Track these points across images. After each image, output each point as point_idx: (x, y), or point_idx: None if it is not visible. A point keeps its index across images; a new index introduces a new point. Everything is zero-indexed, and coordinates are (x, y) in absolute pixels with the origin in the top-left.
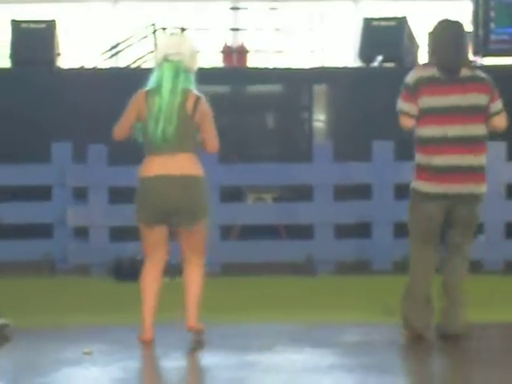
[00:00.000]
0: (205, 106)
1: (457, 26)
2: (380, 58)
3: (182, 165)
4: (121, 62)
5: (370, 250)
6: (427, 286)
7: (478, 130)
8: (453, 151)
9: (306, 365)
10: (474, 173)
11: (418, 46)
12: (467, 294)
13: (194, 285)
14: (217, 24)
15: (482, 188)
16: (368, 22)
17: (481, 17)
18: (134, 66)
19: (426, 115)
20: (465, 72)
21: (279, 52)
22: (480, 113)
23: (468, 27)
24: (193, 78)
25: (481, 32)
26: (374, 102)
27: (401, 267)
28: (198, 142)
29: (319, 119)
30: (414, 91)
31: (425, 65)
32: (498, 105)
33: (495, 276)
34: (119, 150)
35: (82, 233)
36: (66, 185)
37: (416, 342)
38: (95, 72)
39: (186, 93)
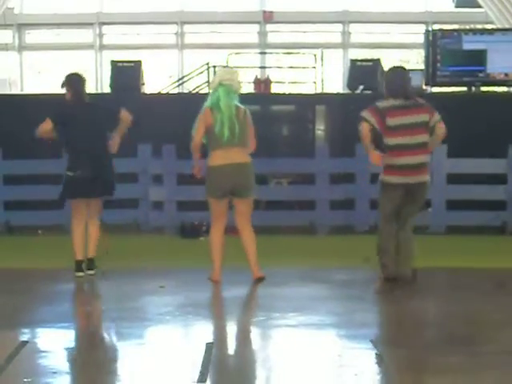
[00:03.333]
0: (249, 117)
1: (402, 70)
2: (362, 87)
3: (238, 155)
4: (185, 89)
5: (354, 217)
6: (392, 244)
7: (424, 138)
8: (408, 154)
9: (308, 295)
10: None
11: None
12: (417, 249)
13: (251, 243)
14: (250, 63)
15: (427, 177)
16: (353, 63)
17: (430, 59)
18: (193, 92)
19: (392, 130)
20: (411, 100)
21: (292, 83)
22: (424, 126)
23: (420, 67)
24: (238, 98)
25: (430, 69)
26: (356, 117)
27: (375, 230)
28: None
29: (320, 128)
30: (381, 113)
31: (386, 98)
32: (435, 117)
33: (439, 237)
34: (183, 148)
35: (158, 205)
36: (148, 172)
37: (386, 282)
38: (168, 96)
39: (236, 107)
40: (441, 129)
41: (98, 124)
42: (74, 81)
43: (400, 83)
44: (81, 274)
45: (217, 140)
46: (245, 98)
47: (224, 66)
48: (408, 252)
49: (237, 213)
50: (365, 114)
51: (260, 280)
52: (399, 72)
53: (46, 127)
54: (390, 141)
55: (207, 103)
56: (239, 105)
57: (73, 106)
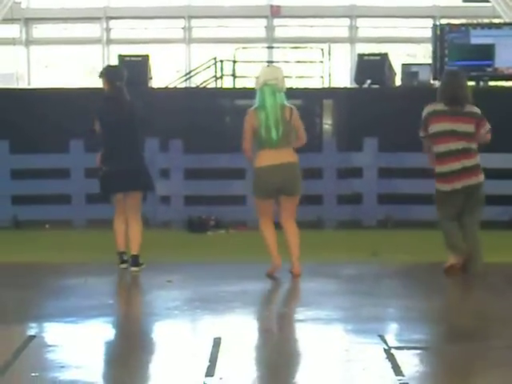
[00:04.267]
0: (296, 114)
1: (457, 75)
2: (369, 81)
3: (285, 155)
4: (192, 83)
5: (361, 212)
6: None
7: (463, 145)
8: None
9: (317, 289)
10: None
11: (394, 74)
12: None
13: (294, 239)
14: (258, 58)
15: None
16: (361, 57)
17: (438, 53)
18: (201, 86)
19: (432, 137)
20: (458, 107)
21: (300, 77)
22: (465, 136)
23: (428, 61)
24: (284, 95)
25: (438, 64)
26: (364, 111)
27: (382, 224)
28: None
29: (327, 123)
30: (425, 123)
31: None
32: (484, 129)
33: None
34: (191, 143)
35: (166, 199)
36: (155, 167)
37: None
38: (175, 90)
39: (282, 106)
40: (486, 138)
41: (130, 119)
42: (110, 73)
43: (450, 89)
44: (124, 265)
45: (263, 141)
46: (252, 93)
47: (234, 62)
48: (475, 247)
49: (282, 209)
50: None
51: (296, 276)
52: (452, 77)
53: (97, 127)
54: (435, 148)
55: (254, 104)
56: (286, 103)
57: (107, 99)
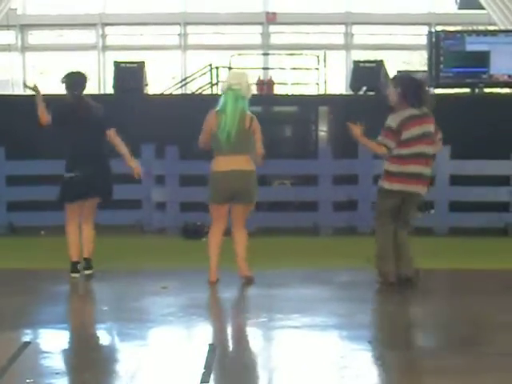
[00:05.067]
0: (256, 123)
1: (418, 78)
2: (364, 88)
3: (241, 162)
4: (188, 90)
5: (356, 219)
6: (390, 248)
7: (431, 149)
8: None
9: (311, 296)
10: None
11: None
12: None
13: (241, 244)
14: (253, 64)
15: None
16: (356, 64)
17: (433, 60)
18: (196, 93)
19: (405, 142)
20: (423, 109)
21: (295, 84)
22: (431, 137)
23: (423, 68)
24: (247, 102)
25: (433, 71)
26: (360, 118)
27: None
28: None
29: (322, 130)
30: (397, 133)
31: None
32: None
33: (442, 238)
34: (186, 149)
35: (161, 206)
36: (151, 173)
37: (386, 284)
38: (170, 97)
39: (243, 113)
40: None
41: (94, 125)
42: (73, 79)
43: (419, 92)
44: (76, 275)
45: (220, 145)
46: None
47: (229, 68)
48: (408, 253)
49: (233, 215)
50: (385, 141)
51: (249, 280)
52: (417, 80)
53: (44, 118)
54: (404, 150)
55: (218, 106)
56: (247, 111)
57: (71, 105)
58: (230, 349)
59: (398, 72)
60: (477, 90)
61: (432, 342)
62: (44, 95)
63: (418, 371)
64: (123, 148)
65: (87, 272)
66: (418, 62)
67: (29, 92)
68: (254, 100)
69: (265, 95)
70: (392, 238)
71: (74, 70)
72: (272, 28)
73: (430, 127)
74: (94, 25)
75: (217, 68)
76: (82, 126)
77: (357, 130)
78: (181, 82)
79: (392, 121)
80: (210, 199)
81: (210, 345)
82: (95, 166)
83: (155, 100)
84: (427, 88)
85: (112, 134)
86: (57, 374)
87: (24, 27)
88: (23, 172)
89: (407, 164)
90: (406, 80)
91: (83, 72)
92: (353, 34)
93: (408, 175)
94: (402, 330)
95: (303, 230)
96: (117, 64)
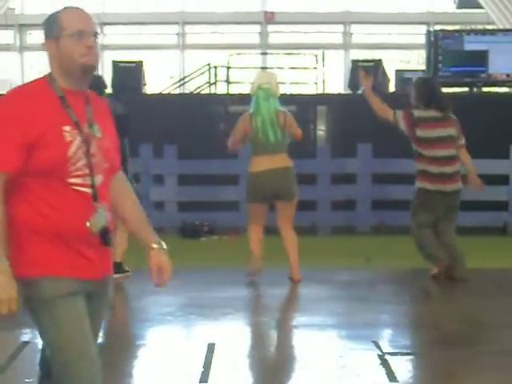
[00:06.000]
0: (290, 118)
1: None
2: (363, 87)
3: (280, 160)
4: (186, 89)
5: (355, 218)
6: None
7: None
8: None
9: (310, 296)
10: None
11: (388, 80)
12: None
13: (293, 245)
14: (252, 64)
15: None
16: (355, 63)
17: (432, 60)
18: (195, 92)
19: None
20: (442, 113)
21: (294, 83)
22: (451, 141)
23: (422, 67)
24: (277, 100)
25: (432, 70)
26: (358, 117)
27: (376, 230)
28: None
29: (321, 129)
30: (414, 122)
31: (421, 108)
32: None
33: None
34: (184, 148)
35: (159, 205)
36: (149, 172)
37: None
38: (169, 96)
39: (277, 111)
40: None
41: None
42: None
43: (434, 94)
44: None
45: (259, 145)
46: (247, 99)
47: (228, 68)
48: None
49: (280, 215)
50: (398, 115)
51: (297, 283)
52: (431, 82)
53: None
54: (426, 152)
55: (251, 108)
56: (280, 108)
57: None
58: (229, 348)
59: (397, 71)
60: (475, 89)
61: (429, 341)
62: None
63: (417, 370)
64: None
65: (115, 276)
66: (416, 62)
67: None
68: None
69: None
70: (431, 234)
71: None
72: (270, 27)
73: (451, 131)
74: None
75: (215, 67)
76: None
77: (367, 82)
78: (179, 81)
79: (415, 111)
80: (249, 199)
81: (208, 344)
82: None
83: (153, 99)
84: (441, 90)
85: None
86: None
87: (22, 27)
88: None
89: (431, 165)
90: (419, 82)
91: (99, 74)
92: (351, 34)
93: (434, 175)
94: (401, 329)
95: (301, 229)
96: (115, 63)
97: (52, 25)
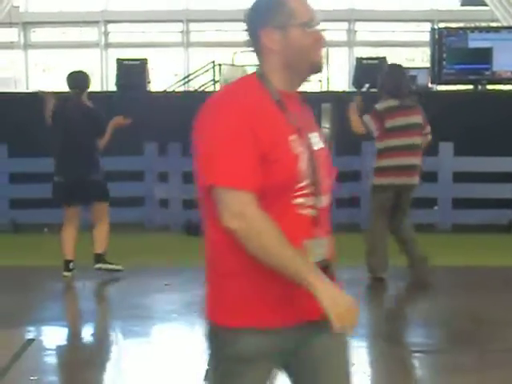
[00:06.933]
0: None
1: (399, 68)
2: (367, 85)
3: None
4: (190, 87)
5: (359, 215)
6: (380, 243)
7: (418, 140)
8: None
9: None
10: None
11: None
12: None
13: None
14: (256, 61)
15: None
16: (359, 61)
17: (436, 57)
18: (199, 90)
19: (389, 132)
20: (407, 100)
21: None
22: (418, 128)
23: (426, 65)
24: None
25: (436, 68)
26: (362, 115)
27: None
28: None
29: (325, 127)
30: (381, 117)
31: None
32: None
33: (445, 235)
34: (189, 146)
35: (164, 203)
36: (153, 170)
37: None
38: (173, 94)
39: None
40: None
41: (82, 127)
42: (69, 78)
43: (397, 83)
44: (67, 273)
45: None
46: None
47: (230, 65)
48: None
49: None
50: (369, 122)
51: None
52: (396, 70)
53: (48, 116)
54: (391, 142)
55: None
56: None
57: (61, 105)
58: None
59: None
60: (480, 87)
61: (434, 339)
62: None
63: (418, 368)
64: (106, 139)
65: (96, 266)
66: (420, 59)
67: (31, 90)
68: None
69: None
70: (384, 234)
71: (77, 69)
72: None
73: (417, 118)
74: (96, 22)
75: (219, 65)
76: (68, 127)
77: (353, 105)
78: (183, 79)
79: (379, 105)
80: None
81: None
82: (79, 171)
83: (158, 97)
84: (404, 79)
85: (100, 142)
86: (60, 371)
87: (26, 25)
88: (26, 169)
89: (397, 156)
90: (384, 71)
91: (80, 70)
92: (356, 31)
93: (399, 168)
94: (404, 327)
95: None
96: (119, 61)
97: (275, 10)
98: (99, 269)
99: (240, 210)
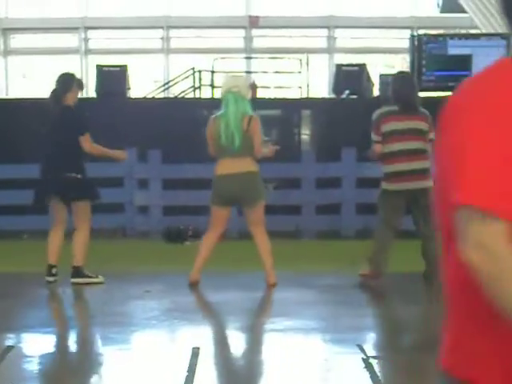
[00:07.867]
0: (255, 124)
1: (407, 76)
2: (347, 91)
3: (243, 165)
4: (170, 93)
5: (339, 222)
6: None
7: (416, 145)
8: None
9: (294, 300)
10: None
11: (372, 84)
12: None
13: (262, 248)
14: (236, 68)
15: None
16: (339, 67)
17: (416, 64)
18: (179, 96)
19: (385, 137)
20: (409, 107)
21: (278, 87)
22: (418, 134)
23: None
24: (248, 103)
25: (415, 74)
26: (342, 121)
27: (361, 234)
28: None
29: (305, 133)
30: (378, 123)
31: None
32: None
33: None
34: (169, 153)
35: (143, 210)
36: (133, 177)
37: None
38: (153, 100)
39: (243, 114)
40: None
41: (63, 128)
42: (56, 81)
43: (403, 91)
44: (50, 278)
45: (223, 149)
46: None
47: (212, 72)
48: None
49: (248, 221)
50: (373, 136)
51: (271, 286)
52: (403, 78)
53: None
54: (388, 147)
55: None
56: (249, 112)
57: (47, 108)
58: (214, 352)
59: (381, 75)
60: None
61: (416, 344)
62: (27, 99)
63: (401, 374)
64: (100, 150)
65: (72, 280)
66: (400, 66)
67: (12, 96)
68: None
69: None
70: (389, 241)
71: (63, 72)
72: (255, 32)
73: (417, 124)
74: (76, 28)
75: (199, 72)
76: (51, 128)
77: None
78: (163, 85)
79: (374, 114)
80: (211, 201)
81: (193, 348)
82: (56, 168)
83: (138, 104)
84: (406, 87)
85: (83, 141)
86: (40, 378)
87: (6, 31)
88: (5, 176)
89: (397, 162)
90: (393, 79)
91: (67, 72)
92: (335, 38)
93: (398, 173)
94: (386, 332)
95: (286, 233)
96: (99, 67)
97: None
98: (76, 283)
99: (485, 241)
